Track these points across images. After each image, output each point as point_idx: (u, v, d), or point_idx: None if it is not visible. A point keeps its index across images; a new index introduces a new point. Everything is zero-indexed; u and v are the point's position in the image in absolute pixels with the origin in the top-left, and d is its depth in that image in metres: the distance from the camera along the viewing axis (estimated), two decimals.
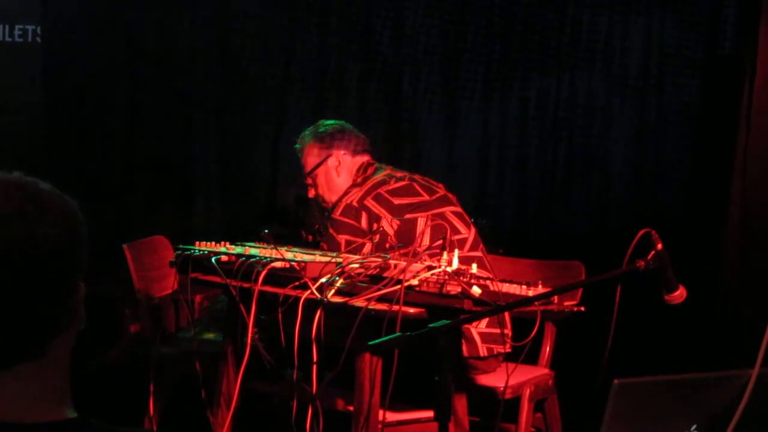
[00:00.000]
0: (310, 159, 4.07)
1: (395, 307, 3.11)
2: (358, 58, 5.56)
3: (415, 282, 3.14)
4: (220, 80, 5.65)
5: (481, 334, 3.68)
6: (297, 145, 4.14)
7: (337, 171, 4.02)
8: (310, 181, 4.09)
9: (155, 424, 3.99)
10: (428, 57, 5.50)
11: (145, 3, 5.57)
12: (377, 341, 2.64)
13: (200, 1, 5.61)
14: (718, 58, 5.12)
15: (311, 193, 4.13)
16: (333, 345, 3.23)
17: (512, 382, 3.58)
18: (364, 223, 3.76)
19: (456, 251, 3.17)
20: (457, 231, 3.78)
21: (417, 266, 3.18)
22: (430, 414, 3.40)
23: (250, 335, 3.37)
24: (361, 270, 3.27)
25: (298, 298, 3.27)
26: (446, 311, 2.97)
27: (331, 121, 4.16)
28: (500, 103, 5.46)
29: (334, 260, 3.34)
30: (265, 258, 3.40)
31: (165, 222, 5.41)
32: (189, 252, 3.58)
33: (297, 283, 3.31)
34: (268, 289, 3.35)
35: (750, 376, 1.86)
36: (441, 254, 3.18)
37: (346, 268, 3.27)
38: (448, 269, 3.11)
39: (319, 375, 3.26)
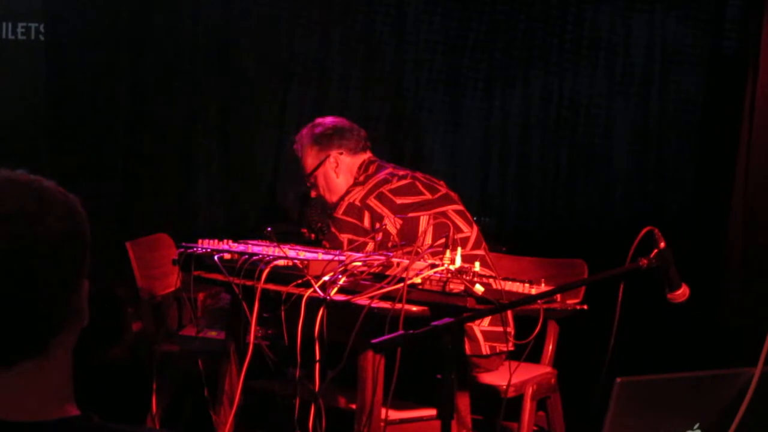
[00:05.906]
0: (309, 160, 4.04)
1: (398, 306, 3.11)
2: (359, 56, 5.55)
3: (418, 280, 3.14)
4: (222, 79, 5.65)
5: (483, 332, 3.68)
6: (295, 146, 4.11)
7: (335, 172, 3.99)
8: (312, 180, 4.07)
9: (158, 422, 3.99)
10: (430, 54, 5.50)
11: (147, 2, 5.58)
12: (380, 339, 2.64)
13: None
14: (722, 56, 5.12)
15: (314, 193, 4.11)
16: (336, 343, 3.23)
17: (515, 380, 3.58)
18: (366, 222, 3.75)
19: (459, 249, 3.17)
20: (459, 229, 3.78)
21: (420, 264, 3.18)
22: (432, 412, 3.41)
23: (252, 333, 3.36)
24: (364, 268, 3.26)
25: (301, 296, 3.27)
26: (449, 309, 2.97)
27: (329, 119, 4.12)
28: (502, 100, 5.45)
29: (336, 258, 3.34)
30: (268, 256, 3.39)
31: (168, 220, 5.41)
32: (192, 250, 3.57)
33: (300, 281, 3.31)
34: (271, 287, 3.35)
35: (753, 375, 1.86)
36: (444, 252, 3.18)
37: (349, 266, 3.27)
38: (451, 267, 3.11)
39: (321, 373, 3.26)
